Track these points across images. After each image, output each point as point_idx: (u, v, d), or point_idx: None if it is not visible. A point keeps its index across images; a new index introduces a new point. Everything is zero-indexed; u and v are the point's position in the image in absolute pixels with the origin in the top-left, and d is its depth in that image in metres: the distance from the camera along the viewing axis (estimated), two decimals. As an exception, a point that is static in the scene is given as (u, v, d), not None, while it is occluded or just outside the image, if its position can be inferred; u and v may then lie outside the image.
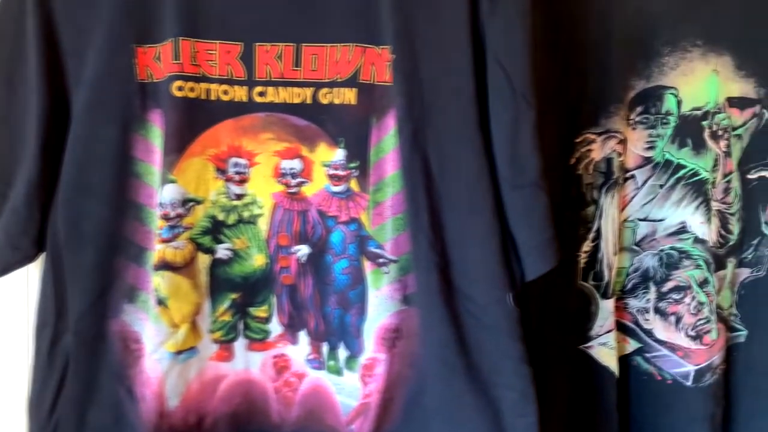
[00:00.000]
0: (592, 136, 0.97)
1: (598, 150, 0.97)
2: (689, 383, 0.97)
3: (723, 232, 0.98)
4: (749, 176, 0.98)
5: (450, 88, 0.77)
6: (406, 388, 0.80)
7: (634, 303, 1.00)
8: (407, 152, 0.78)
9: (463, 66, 0.77)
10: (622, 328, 1.00)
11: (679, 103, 0.97)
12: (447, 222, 0.78)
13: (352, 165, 0.82)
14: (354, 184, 0.82)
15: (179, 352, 0.81)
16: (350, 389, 0.82)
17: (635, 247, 0.99)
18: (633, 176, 0.98)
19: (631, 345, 1.00)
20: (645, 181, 0.98)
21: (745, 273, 0.99)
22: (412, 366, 0.80)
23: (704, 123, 0.96)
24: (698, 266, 0.97)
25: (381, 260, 0.81)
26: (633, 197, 0.99)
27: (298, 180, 0.83)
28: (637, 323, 1.00)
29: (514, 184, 0.77)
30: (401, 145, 0.78)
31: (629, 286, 0.99)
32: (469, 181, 0.77)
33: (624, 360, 1.00)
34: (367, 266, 0.81)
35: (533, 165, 0.77)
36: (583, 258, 0.97)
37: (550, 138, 0.96)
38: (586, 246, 0.97)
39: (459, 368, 0.77)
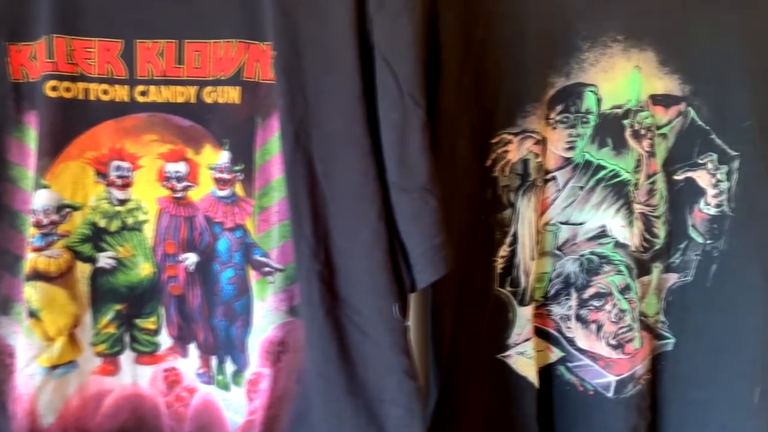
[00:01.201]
0: (509, 137, 0.90)
1: (515, 151, 0.90)
2: (610, 394, 0.89)
3: (647, 236, 0.92)
4: (675, 177, 0.90)
5: (335, 87, 0.70)
6: (292, 404, 0.73)
7: (557, 310, 0.92)
8: (289, 155, 0.71)
9: (349, 64, 0.70)
10: (545, 336, 0.93)
11: (599, 101, 0.89)
12: (333, 228, 0.71)
13: (237, 168, 0.75)
14: (239, 189, 0.75)
15: (54, 367, 0.74)
16: (237, 405, 0.75)
17: (557, 252, 0.92)
18: (554, 178, 0.91)
19: (555, 354, 0.92)
20: (566, 183, 0.91)
21: (672, 278, 0.91)
22: (299, 381, 0.73)
23: (626, 122, 0.89)
24: (619, 272, 0.90)
25: (266, 269, 0.74)
26: (554, 200, 0.92)
27: (184, 184, 0.76)
28: (560, 331, 0.93)
29: (403, 188, 0.70)
30: (283, 147, 0.71)
31: (552, 292, 0.92)
32: (355, 184, 0.70)
33: (548, 369, 0.94)
34: (252, 276, 0.75)
35: (422, 168, 0.70)
36: (500, 263, 0.90)
37: (465, 139, 0.90)
38: (503, 251, 0.90)
39: (341, 384, 0.70)
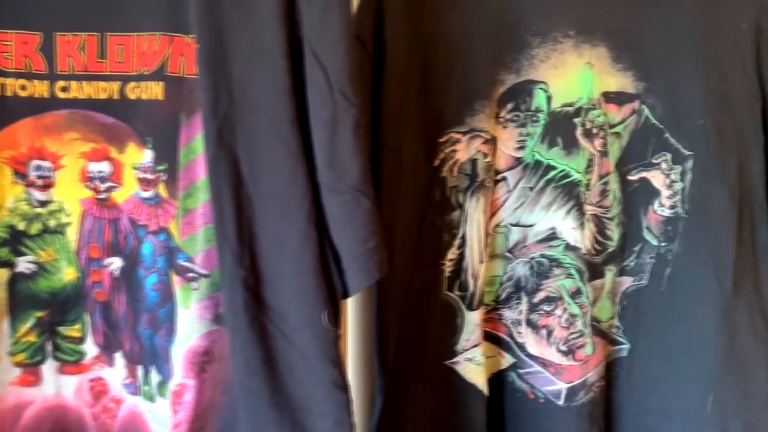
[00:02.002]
0: (457, 136, 0.85)
1: (464, 150, 0.85)
2: (561, 402, 0.84)
3: (600, 238, 0.87)
4: (630, 177, 0.85)
5: (262, 83, 0.65)
6: (218, 417, 0.68)
7: (508, 314, 0.87)
8: (212, 154, 0.65)
9: (276, 58, 0.64)
10: (497, 341, 0.89)
11: (549, 98, 0.85)
12: (259, 231, 0.66)
13: (161, 168, 0.69)
14: (162, 190, 0.70)
15: (-33, 379, 0.70)
16: (162, 417, 0.70)
17: (508, 254, 0.87)
18: (504, 178, 0.87)
19: (507, 360, 0.87)
20: (516, 184, 0.86)
21: (627, 282, 0.86)
22: (225, 393, 0.68)
23: (576, 120, 0.84)
24: (570, 275, 0.85)
25: (190, 275, 0.69)
26: (505, 201, 0.87)
27: (108, 185, 0.71)
28: (511, 336, 0.88)
29: (333, 189, 0.65)
30: (206, 145, 0.66)
31: (503, 295, 0.87)
32: (283, 185, 0.65)
33: (500, 376, 0.89)
34: (176, 281, 0.69)
35: (354, 167, 0.65)
36: (448, 266, 0.85)
37: (412, 137, 0.85)
38: (452, 254, 0.85)
39: (265, 396, 0.65)
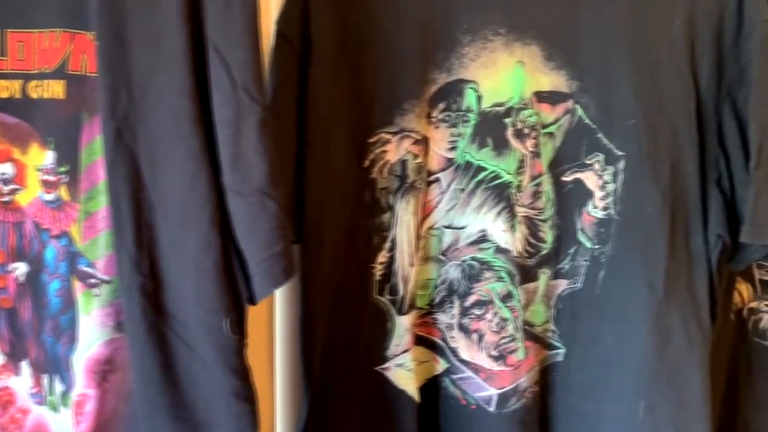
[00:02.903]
0: (387, 136, 0.82)
1: (394, 151, 0.82)
2: (492, 408, 0.81)
3: (533, 241, 0.84)
4: (564, 179, 0.82)
5: (164, 82, 0.61)
6: (121, 428, 0.64)
7: (442, 318, 0.84)
8: (110, 155, 0.61)
9: (178, 55, 0.61)
10: (432, 346, 0.85)
11: (479, 98, 0.81)
12: (160, 237, 0.62)
13: (62, 169, 0.65)
14: (64, 192, 0.66)
15: None
16: (65, 428, 0.66)
17: (442, 257, 0.83)
18: (438, 179, 0.84)
19: (441, 365, 0.84)
20: (449, 185, 0.83)
21: (562, 285, 0.83)
22: (129, 403, 0.64)
23: (507, 120, 0.81)
24: (500, 278, 0.82)
25: (92, 281, 0.65)
26: (438, 202, 0.84)
27: (11, 187, 0.67)
28: (445, 341, 0.84)
29: (237, 191, 0.61)
30: (104, 146, 0.62)
31: (437, 299, 0.83)
32: (184, 188, 0.61)
33: (435, 381, 0.86)
34: (78, 287, 0.66)
35: (259, 169, 0.61)
36: (378, 270, 0.82)
37: (340, 138, 0.81)
38: (382, 257, 0.82)
39: (165, 407, 0.61)
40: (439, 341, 0.84)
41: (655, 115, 0.78)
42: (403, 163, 0.81)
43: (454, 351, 0.83)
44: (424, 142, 0.81)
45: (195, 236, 0.61)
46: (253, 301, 0.64)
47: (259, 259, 0.62)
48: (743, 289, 0.93)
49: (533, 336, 0.83)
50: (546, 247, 0.83)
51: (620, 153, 0.80)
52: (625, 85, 0.79)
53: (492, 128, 0.81)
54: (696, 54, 0.79)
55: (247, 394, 0.63)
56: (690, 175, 0.79)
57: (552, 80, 0.81)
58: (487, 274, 0.81)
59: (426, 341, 0.85)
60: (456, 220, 0.82)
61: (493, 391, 0.82)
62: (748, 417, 0.94)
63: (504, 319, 0.81)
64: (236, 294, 0.63)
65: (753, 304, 0.93)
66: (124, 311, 0.63)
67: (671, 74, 0.78)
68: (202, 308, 0.61)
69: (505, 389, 0.81)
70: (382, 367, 0.82)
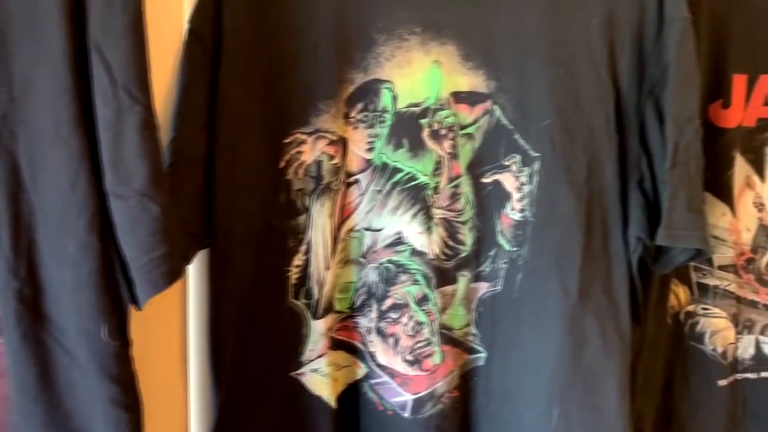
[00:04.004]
0: (303, 137, 0.79)
1: (309, 152, 0.80)
2: (407, 414, 0.79)
3: (451, 243, 0.81)
4: (483, 180, 0.79)
5: (44, 80, 0.59)
6: (4, 436, 0.64)
7: (362, 322, 0.81)
8: (-12, 157, 0.61)
9: (58, 55, 0.58)
10: (353, 350, 0.83)
11: (394, 98, 0.79)
12: (39, 241, 0.60)
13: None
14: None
15: None
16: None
17: (362, 260, 0.80)
18: (357, 181, 0.82)
19: (362, 369, 0.81)
20: (368, 187, 0.81)
21: (483, 288, 0.80)
22: (11, 412, 0.63)
23: (423, 121, 0.78)
24: (416, 281, 0.80)
25: (-26, 285, 0.64)
26: (358, 204, 0.81)
27: None
28: (364, 345, 0.82)
29: (118, 194, 0.59)
30: (-18, 149, 0.61)
31: (358, 303, 0.81)
32: (63, 191, 0.59)
33: (356, 387, 0.83)
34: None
35: (140, 171, 0.59)
36: (294, 273, 0.79)
37: (254, 138, 0.79)
38: (298, 260, 0.80)
39: (39, 416, 0.58)
40: (360, 345, 0.82)
41: (570, 115, 0.76)
42: (318, 164, 0.79)
43: (372, 355, 0.81)
44: (341, 142, 0.79)
45: (73, 240, 0.59)
46: (138, 304, 0.62)
47: (140, 263, 0.60)
48: (680, 292, 0.91)
49: (452, 340, 0.81)
50: (465, 250, 0.81)
51: (536, 154, 0.78)
52: (541, 84, 0.77)
53: (407, 129, 0.78)
54: (615, 53, 0.77)
55: (126, 402, 0.60)
56: (608, 176, 0.77)
57: (470, 80, 0.79)
58: (403, 277, 0.79)
59: (347, 345, 0.82)
60: (374, 222, 0.80)
61: (408, 397, 0.79)
62: (684, 422, 0.92)
63: (419, 323, 0.79)
64: (117, 299, 0.61)
65: (690, 308, 0.91)
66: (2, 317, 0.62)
67: (588, 73, 0.76)
68: (80, 314, 0.59)
69: (420, 394, 0.79)
70: (297, 372, 0.79)
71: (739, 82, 0.87)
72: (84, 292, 0.59)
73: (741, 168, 0.89)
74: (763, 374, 0.92)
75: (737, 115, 0.88)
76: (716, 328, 0.91)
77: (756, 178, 0.89)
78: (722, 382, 0.90)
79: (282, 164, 0.79)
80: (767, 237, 0.91)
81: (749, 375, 0.92)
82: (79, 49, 0.60)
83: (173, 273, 0.62)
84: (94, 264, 0.60)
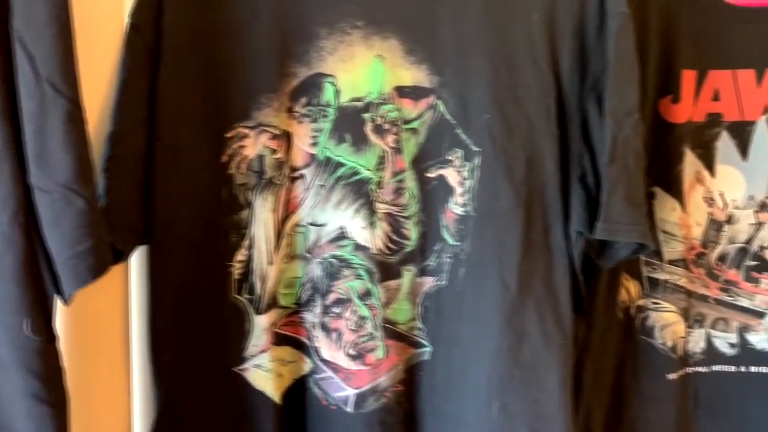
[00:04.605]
0: (245, 131, 0.79)
1: (252, 146, 0.79)
2: (349, 409, 0.79)
3: (396, 238, 0.81)
4: (428, 175, 0.79)
5: None
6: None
7: (308, 317, 0.81)
8: None
9: None
10: (300, 346, 0.83)
11: (337, 92, 0.79)
12: None
13: None
14: None
15: None
16: None
17: (307, 255, 0.80)
18: (302, 176, 0.81)
19: (308, 365, 0.81)
20: (312, 181, 0.81)
21: (428, 282, 0.80)
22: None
23: (366, 115, 0.78)
24: (359, 276, 0.79)
25: None
26: (303, 199, 0.81)
27: None
28: (310, 340, 0.82)
29: (42, 188, 0.58)
30: None
31: (304, 298, 0.81)
32: None
33: (303, 382, 0.83)
34: None
35: (65, 165, 0.59)
36: (237, 268, 0.79)
37: (194, 132, 0.78)
38: (241, 255, 0.79)
39: None
40: (306, 341, 0.82)
41: (510, 110, 0.76)
42: (260, 158, 0.79)
43: (317, 350, 0.81)
44: (284, 136, 0.79)
45: (-4, 235, 0.59)
46: (65, 299, 0.62)
47: (64, 257, 0.60)
48: (631, 286, 0.92)
49: (396, 334, 0.81)
50: (410, 244, 0.81)
51: (476, 149, 0.78)
52: (481, 79, 0.77)
53: (350, 123, 0.78)
54: (556, 48, 0.77)
55: (50, 398, 0.60)
56: (548, 171, 0.77)
57: (413, 75, 0.79)
58: (346, 272, 0.79)
59: (293, 341, 0.82)
60: (318, 217, 0.80)
61: (350, 391, 0.79)
62: (634, 416, 0.93)
63: (362, 318, 0.79)
64: (41, 294, 0.60)
65: (641, 302, 0.91)
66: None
67: (529, 68, 0.76)
68: (2, 308, 0.59)
69: (362, 389, 0.79)
70: (240, 367, 0.79)
71: (688, 77, 0.87)
72: (6, 286, 0.59)
73: (691, 163, 0.89)
74: (714, 368, 0.92)
75: (687, 110, 0.88)
76: (666, 322, 0.91)
77: (706, 173, 0.89)
78: (672, 376, 0.91)
79: (224, 159, 0.79)
80: (717, 232, 0.91)
81: (700, 369, 0.92)
82: (3, 41, 0.59)
83: (99, 267, 0.62)
84: (17, 258, 0.59)
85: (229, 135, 0.79)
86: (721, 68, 0.87)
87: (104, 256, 0.63)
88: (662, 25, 0.86)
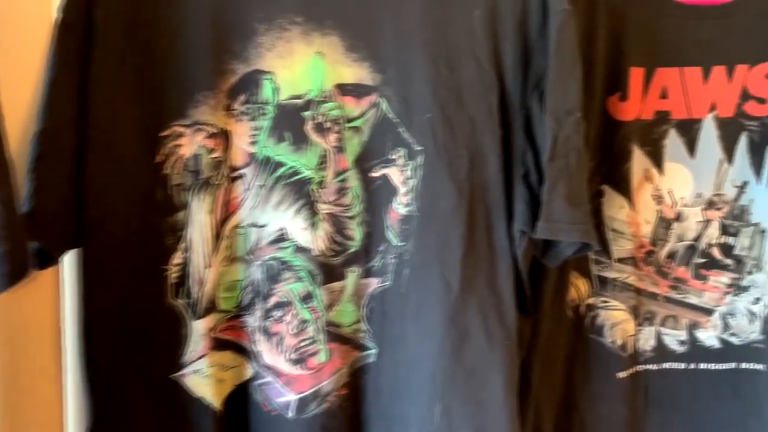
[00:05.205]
0: (181, 129, 0.76)
1: (188, 145, 0.77)
2: (290, 414, 0.77)
3: (339, 239, 0.79)
4: (372, 174, 0.78)
5: None
6: None
7: (249, 321, 0.79)
8: None
9: None
10: (241, 350, 0.80)
11: (275, 90, 0.77)
12: None
13: None
14: None
15: None
16: None
17: (248, 257, 0.78)
18: (242, 175, 0.79)
19: (250, 370, 0.79)
20: (253, 181, 0.79)
21: (373, 283, 0.79)
22: None
23: (306, 114, 0.76)
24: (300, 279, 0.77)
25: None
26: (243, 200, 0.79)
27: None
28: (252, 344, 0.80)
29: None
30: None
31: (245, 301, 0.79)
32: None
33: (245, 387, 0.80)
34: None
35: None
36: (173, 272, 0.76)
37: (128, 131, 0.75)
38: (177, 258, 0.76)
39: None
40: (247, 345, 0.80)
41: (452, 108, 0.75)
42: (197, 157, 0.76)
43: (258, 355, 0.79)
44: (222, 135, 0.77)
45: None
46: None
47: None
48: (580, 285, 0.91)
49: (340, 337, 0.79)
50: (354, 245, 0.79)
51: (419, 148, 0.76)
52: (422, 77, 0.75)
53: (290, 122, 0.76)
54: (499, 45, 0.76)
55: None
56: (491, 170, 0.75)
57: (355, 72, 0.77)
58: (287, 275, 0.77)
59: (234, 345, 0.80)
60: (259, 218, 0.78)
61: (292, 396, 0.77)
62: (584, 415, 0.92)
63: (304, 321, 0.77)
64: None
65: (590, 300, 0.91)
66: None
67: (471, 65, 0.75)
68: None
69: (304, 394, 0.77)
70: (178, 374, 0.77)
71: (636, 74, 0.87)
72: None
73: (639, 161, 0.89)
74: (664, 365, 0.93)
75: (635, 107, 0.88)
76: (615, 321, 0.91)
77: (654, 171, 0.90)
78: (622, 374, 0.91)
79: (159, 158, 0.76)
80: (666, 229, 0.91)
81: (650, 366, 0.92)
82: None
83: (15, 273, 0.59)
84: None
85: (164, 134, 0.76)
86: (669, 66, 0.87)
87: (22, 262, 0.60)
88: (610, 23, 0.86)
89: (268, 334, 0.78)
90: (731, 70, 0.87)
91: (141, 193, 0.75)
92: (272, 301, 0.78)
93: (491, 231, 0.76)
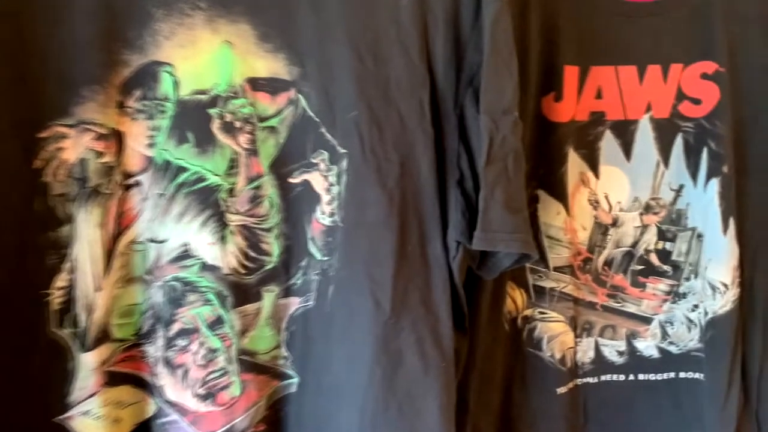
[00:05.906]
0: (64, 130, 0.65)
1: (73, 148, 0.66)
2: (199, 458, 0.70)
3: (253, 254, 0.70)
4: (291, 180, 0.69)
5: None
6: None
7: (150, 351, 0.68)
8: None
9: None
10: (141, 384, 0.70)
11: (176, 84, 0.67)
12: None
13: None
14: None
15: None
16: None
17: (147, 277, 0.68)
18: (138, 183, 0.69)
19: (153, 407, 0.69)
20: (150, 190, 0.69)
21: (294, 303, 0.70)
22: None
23: (213, 111, 0.67)
24: (207, 301, 0.68)
25: None
26: (140, 211, 0.68)
27: None
28: (153, 377, 0.70)
29: None
30: None
31: (145, 328, 0.68)
32: None
33: (147, 426, 0.70)
34: None
35: None
36: (57, 297, 0.65)
37: (2, 132, 0.65)
38: (61, 280, 0.65)
39: None
40: (148, 378, 0.69)
41: (380, 107, 0.67)
42: (83, 162, 0.65)
43: (160, 390, 0.68)
44: (113, 137, 0.66)
45: None
46: None
47: None
48: (517, 296, 0.86)
49: (255, 366, 0.70)
50: (271, 261, 0.70)
51: (343, 150, 0.68)
52: (345, 71, 0.67)
53: (193, 120, 0.66)
54: (429, 36, 0.68)
55: None
56: (423, 175, 0.68)
57: (269, 65, 0.68)
58: (192, 297, 0.67)
59: (133, 379, 0.69)
60: (158, 232, 0.68)
61: (200, 437, 0.68)
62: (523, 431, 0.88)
63: (213, 350, 0.68)
64: None
65: (527, 312, 0.86)
66: None
67: (398, 58, 0.67)
68: None
69: (214, 434, 0.68)
70: (63, 416, 0.66)
71: (570, 73, 0.83)
72: None
73: (574, 164, 0.85)
74: (603, 378, 0.89)
75: (570, 108, 0.84)
76: (554, 333, 0.87)
77: (590, 175, 0.85)
78: (561, 390, 0.86)
79: (37, 164, 0.65)
80: (603, 235, 0.88)
81: (589, 379, 0.89)
82: None
83: None
84: None
85: (43, 135, 0.64)
86: (603, 64, 0.83)
87: None
88: (544, 19, 0.81)
89: (171, 365, 0.68)
90: (666, 69, 0.84)
91: (15, 205, 0.64)
92: (175, 328, 0.67)
93: (425, 243, 0.69)
